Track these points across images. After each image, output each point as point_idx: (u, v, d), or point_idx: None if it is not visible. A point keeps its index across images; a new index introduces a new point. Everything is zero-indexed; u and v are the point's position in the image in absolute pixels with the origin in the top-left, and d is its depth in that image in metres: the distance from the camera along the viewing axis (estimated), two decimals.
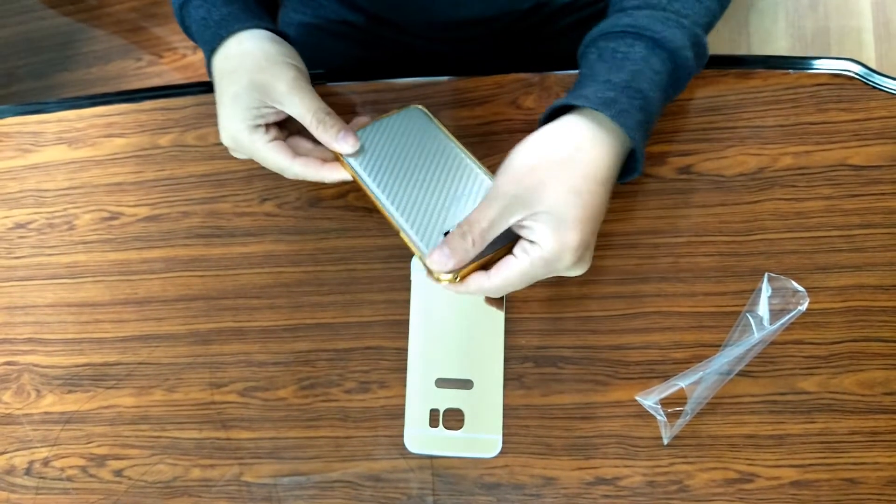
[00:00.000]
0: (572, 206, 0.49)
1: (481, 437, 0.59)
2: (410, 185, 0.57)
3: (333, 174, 0.60)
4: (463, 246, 0.50)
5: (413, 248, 0.54)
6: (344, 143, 0.58)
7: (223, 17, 0.62)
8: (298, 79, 0.59)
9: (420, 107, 0.62)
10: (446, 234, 0.53)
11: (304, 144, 0.61)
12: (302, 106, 0.58)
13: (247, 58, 0.59)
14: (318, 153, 0.61)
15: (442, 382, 0.61)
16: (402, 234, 0.55)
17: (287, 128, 0.62)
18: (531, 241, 0.50)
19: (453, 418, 0.60)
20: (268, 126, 0.60)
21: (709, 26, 0.57)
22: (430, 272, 0.52)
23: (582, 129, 0.52)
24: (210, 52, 0.62)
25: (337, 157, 0.60)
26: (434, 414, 0.60)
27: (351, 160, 0.59)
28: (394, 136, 0.60)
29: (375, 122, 0.61)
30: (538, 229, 0.49)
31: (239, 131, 0.59)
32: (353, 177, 0.59)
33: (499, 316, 0.61)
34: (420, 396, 0.61)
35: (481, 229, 0.50)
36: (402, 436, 0.60)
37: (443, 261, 0.50)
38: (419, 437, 0.60)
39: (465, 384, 0.60)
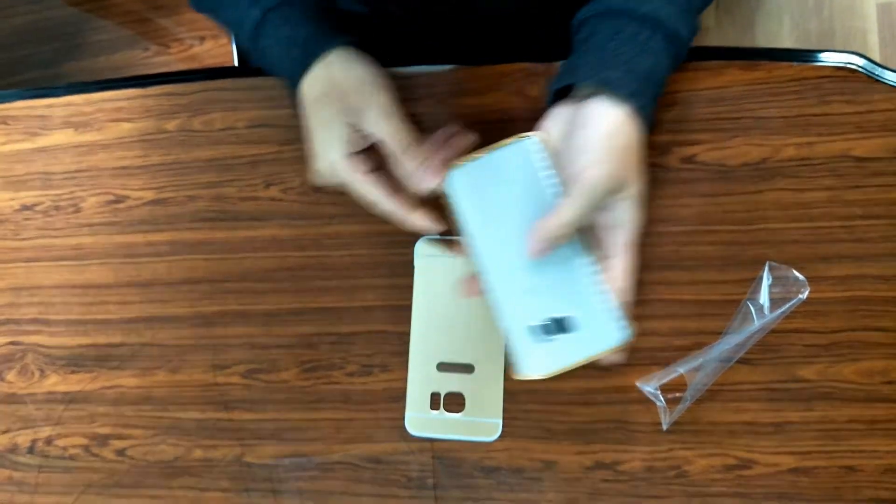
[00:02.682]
0: (643, 182, 0.57)
1: (481, 421, 0.60)
2: (506, 256, 0.57)
3: (420, 222, 0.58)
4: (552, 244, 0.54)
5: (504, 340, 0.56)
6: (419, 180, 0.57)
7: (310, 34, 0.60)
8: (389, 103, 0.58)
9: (534, 136, 0.58)
10: (534, 327, 0.56)
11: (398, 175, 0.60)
12: (388, 132, 0.57)
13: (336, 81, 0.59)
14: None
15: (443, 366, 0.61)
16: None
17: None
18: (613, 226, 0.56)
19: (454, 402, 0.60)
20: (364, 153, 0.59)
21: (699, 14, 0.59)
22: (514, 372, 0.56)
23: (626, 114, 0.54)
24: (301, 71, 0.60)
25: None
26: (435, 397, 0.61)
27: (451, 199, 0.58)
28: (496, 182, 0.58)
29: (480, 157, 0.58)
30: (623, 212, 0.56)
31: (337, 160, 0.58)
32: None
33: None
34: (421, 380, 0.61)
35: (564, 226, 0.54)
36: (403, 419, 0.61)
37: (538, 255, 0.55)
38: (420, 420, 0.60)
39: (467, 368, 0.61)
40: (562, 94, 0.58)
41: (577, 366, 0.55)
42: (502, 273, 0.57)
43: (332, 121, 0.58)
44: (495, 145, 0.58)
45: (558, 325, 0.56)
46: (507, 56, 0.67)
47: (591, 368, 0.59)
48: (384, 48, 0.84)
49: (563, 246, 0.55)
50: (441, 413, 0.60)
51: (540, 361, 0.55)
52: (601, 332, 0.55)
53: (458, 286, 0.58)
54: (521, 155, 0.58)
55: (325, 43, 0.59)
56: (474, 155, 0.58)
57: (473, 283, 0.57)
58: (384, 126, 0.57)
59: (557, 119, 0.58)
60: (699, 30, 0.58)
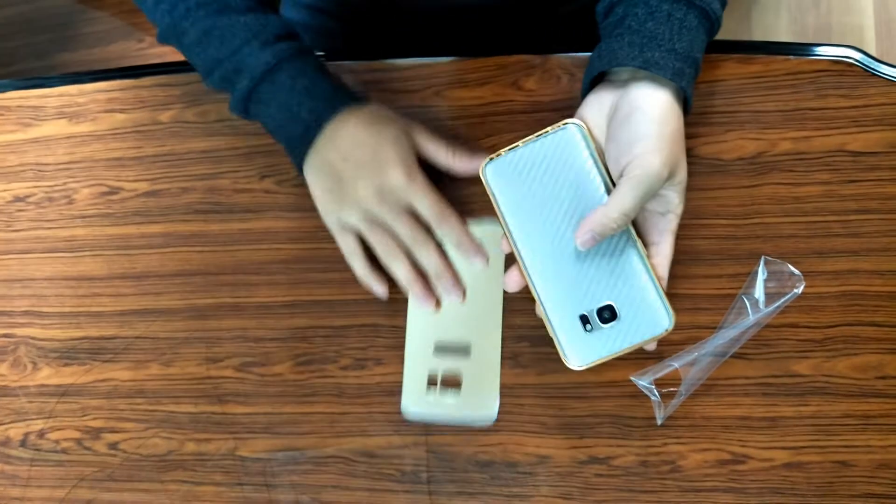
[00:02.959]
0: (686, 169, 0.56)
1: (478, 403, 0.59)
2: (551, 246, 0.56)
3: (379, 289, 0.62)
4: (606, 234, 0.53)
5: (549, 330, 0.56)
6: (466, 167, 0.61)
7: (332, 91, 0.62)
8: (424, 128, 0.62)
9: (577, 123, 0.57)
10: (582, 316, 0.55)
11: None
12: (438, 145, 0.61)
13: (382, 113, 0.62)
14: None
15: (440, 349, 0.61)
16: (538, 307, 0.56)
17: None
18: (665, 212, 0.55)
19: (451, 386, 0.60)
20: None
21: None
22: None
23: (672, 99, 0.54)
24: (328, 120, 0.61)
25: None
26: (432, 378, 0.60)
27: (491, 190, 0.58)
28: (538, 171, 0.57)
29: (519, 146, 0.57)
30: (673, 198, 0.55)
31: (415, 164, 0.60)
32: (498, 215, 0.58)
33: (497, 281, 0.61)
34: (418, 361, 0.61)
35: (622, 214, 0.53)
36: (398, 412, 0.61)
37: (591, 244, 0.54)
38: (416, 402, 0.60)
39: (464, 351, 0.60)
40: (596, 80, 0.58)
41: (624, 353, 0.54)
42: (546, 263, 0.56)
43: (402, 137, 0.60)
44: (536, 134, 0.57)
45: (604, 315, 0.54)
46: (504, 48, 0.66)
47: None
48: (381, 40, 0.84)
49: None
50: (437, 394, 0.60)
51: (587, 350, 0.54)
52: (646, 319, 0.54)
53: (504, 280, 0.57)
54: (563, 143, 0.56)
55: (348, 97, 0.62)
56: (514, 145, 0.57)
57: (517, 275, 0.56)
58: (432, 142, 0.61)
59: (596, 105, 0.57)
60: (726, 2, 0.57)
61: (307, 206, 0.65)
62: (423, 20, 0.79)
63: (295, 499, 0.61)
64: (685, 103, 0.56)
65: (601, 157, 0.56)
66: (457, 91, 0.66)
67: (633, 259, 0.55)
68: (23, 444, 0.66)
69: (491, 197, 0.57)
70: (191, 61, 0.64)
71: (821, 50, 0.61)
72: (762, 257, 0.58)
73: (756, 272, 0.58)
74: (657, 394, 0.57)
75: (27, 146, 0.72)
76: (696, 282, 0.59)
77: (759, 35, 1.44)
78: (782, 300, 0.57)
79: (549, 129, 0.57)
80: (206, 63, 0.62)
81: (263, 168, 0.67)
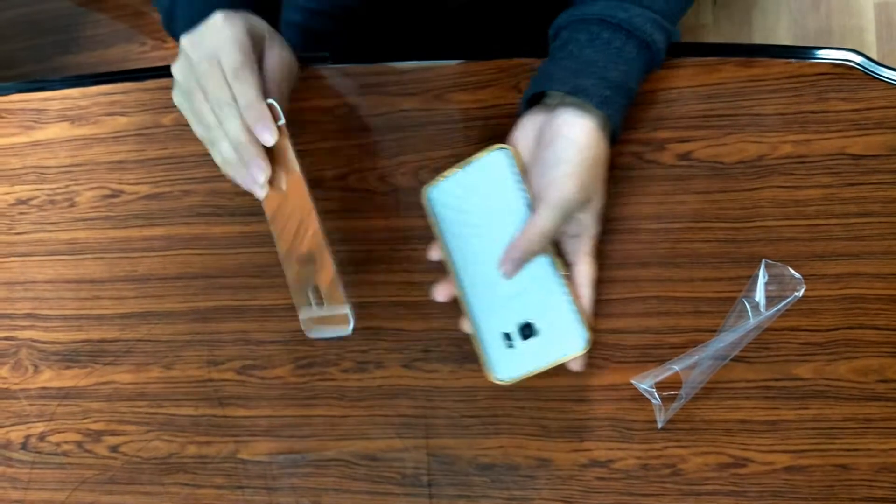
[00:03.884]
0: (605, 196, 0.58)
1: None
2: (480, 266, 0.58)
3: (260, 173, 0.54)
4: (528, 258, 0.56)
5: (475, 345, 0.58)
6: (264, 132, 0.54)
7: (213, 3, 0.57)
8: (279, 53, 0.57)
9: (505, 148, 0.58)
10: (505, 333, 0.57)
11: None
12: (279, 57, 0.57)
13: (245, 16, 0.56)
14: None
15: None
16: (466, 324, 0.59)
17: None
18: (578, 234, 0.57)
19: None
20: None
21: (676, 22, 0.60)
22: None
23: (596, 127, 0.55)
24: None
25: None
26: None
27: (429, 215, 0.60)
28: (470, 195, 0.59)
29: (455, 172, 0.60)
30: (587, 221, 0.57)
31: (243, 28, 0.54)
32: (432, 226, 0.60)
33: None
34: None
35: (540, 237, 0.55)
36: (399, 415, 0.61)
37: (515, 272, 0.56)
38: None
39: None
40: (534, 100, 0.59)
41: (543, 370, 0.56)
42: (476, 282, 0.58)
43: (232, 16, 0.54)
44: (468, 159, 0.59)
45: (524, 332, 0.57)
46: (505, 51, 0.67)
47: (587, 366, 0.59)
48: (378, 43, 0.85)
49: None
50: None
51: (509, 366, 0.57)
52: (563, 338, 0.56)
53: (434, 289, 0.59)
54: (492, 167, 0.58)
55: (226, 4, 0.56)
56: (450, 171, 0.60)
57: (448, 287, 0.59)
58: (274, 47, 0.57)
59: (529, 128, 0.58)
60: (676, 37, 0.58)
61: None
62: (422, 23, 0.79)
63: (295, 501, 0.61)
64: (614, 132, 0.57)
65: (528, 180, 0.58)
66: (457, 94, 0.66)
67: (551, 279, 0.57)
68: (24, 446, 0.66)
69: (431, 219, 0.60)
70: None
71: (821, 53, 0.61)
72: (763, 260, 0.58)
73: (757, 275, 0.58)
74: (658, 397, 0.57)
75: (29, 149, 0.73)
76: (696, 285, 0.59)
77: (759, 38, 1.44)
78: (783, 303, 0.57)
79: (479, 154, 0.59)
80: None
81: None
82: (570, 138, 0.54)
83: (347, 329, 0.54)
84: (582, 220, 0.57)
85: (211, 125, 0.54)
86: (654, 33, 0.56)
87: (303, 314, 0.57)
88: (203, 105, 0.54)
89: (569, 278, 0.57)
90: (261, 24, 0.58)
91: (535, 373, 0.56)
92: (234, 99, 0.53)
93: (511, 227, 0.57)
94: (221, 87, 0.53)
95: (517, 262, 0.56)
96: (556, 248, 0.58)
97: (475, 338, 0.58)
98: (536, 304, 0.57)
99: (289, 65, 0.59)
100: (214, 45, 0.53)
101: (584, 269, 0.57)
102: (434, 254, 0.60)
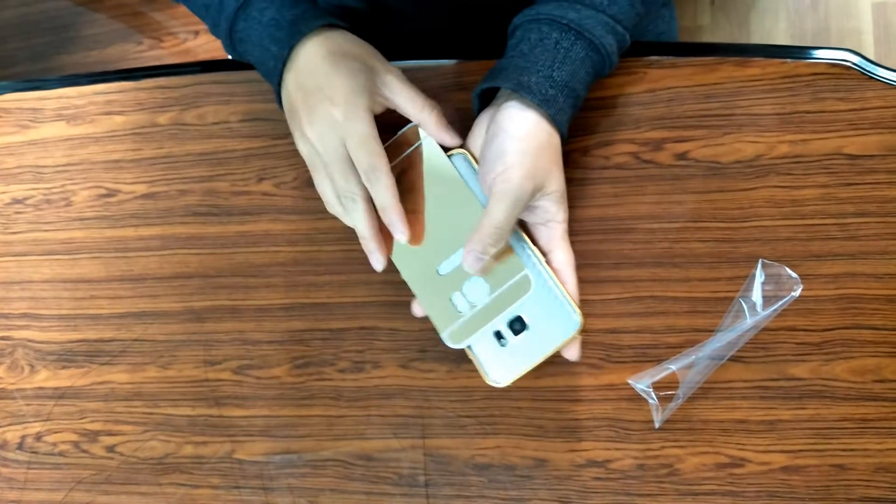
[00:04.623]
0: (563, 180, 0.57)
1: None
2: (456, 273, 0.57)
3: (378, 258, 0.58)
4: (488, 251, 0.54)
5: (467, 353, 0.57)
6: (445, 137, 0.58)
7: (297, 15, 0.58)
8: (401, 74, 0.59)
9: (460, 153, 0.59)
10: (496, 332, 0.56)
11: None
12: (408, 95, 0.58)
13: (346, 47, 0.58)
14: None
15: (443, 269, 0.58)
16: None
17: None
18: (546, 222, 0.56)
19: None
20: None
21: (635, 28, 0.59)
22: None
23: (538, 117, 0.55)
24: (286, 51, 0.58)
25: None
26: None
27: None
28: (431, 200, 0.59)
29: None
30: (550, 208, 0.55)
31: (362, 106, 0.56)
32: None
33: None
34: (431, 292, 0.57)
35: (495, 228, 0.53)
36: (396, 415, 0.61)
37: (477, 265, 0.54)
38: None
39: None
40: (488, 98, 0.59)
41: (540, 363, 0.54)
42: (456, 291, 0.57)
43: (360, 72, 0.56)
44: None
45: (515, 326, 0.56)
46: (501, 50, 0.66)
47: (583, 365, 0.59)
48: (377, 43, 0.84)
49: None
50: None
51: (507, 366, 0.55)
52: (555, 323, 0.55)
53: (413, 306, 0.58)
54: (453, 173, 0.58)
55: (314, 20, 0.58)
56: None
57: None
58: (404, 89, 0.58)
59: (480, 126, 0.58)
60: (628, 44, 0.58)
61: (305, 209, 0.65)
62: (421, 22, 0.79)
63: (292, 502, 0.61)
64: (562, 133, 0.56)
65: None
66: (456, 94, 0.66)
67: (531, 268, 0.56)
68: (20, 446, 0.66)
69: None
70: (201, 19, 0.64)
71: (818, 53, 0.61)
72: (760, 260, 0.58)
73: (754, 275, 0.58)
74: (655, 397, 0.57)
75: (25, 148, 0.72)
76: (693, 285, 0.59)
77: (757, 39, 1.44)
78: (780, 303, 0.57)
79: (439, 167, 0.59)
80: (200, 11, 0.63)
81: (261, 171, 0.67)
82: (510, 132, 0.54)
83: (529, 287, 0.55)
84: (545, 207, 0.56)
85: (331, 203, 0.58)
86: (605, 37, 0.56)
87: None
88: (325, 184, 0.58)
89: (549, 264, 0.56)
90: (369, 62, 0.58)
91: (532, 367, 0.55)
92: (361, 198, 0.56)
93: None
94: (348, 179, 0.56)
95: (477, 256, 0.54)
96: (531, 240, 0.56)
97: (467, 347, 0.56)
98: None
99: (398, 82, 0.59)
100: (340, 135, 0.55)
101: (561, 256, 0.56)
102: (417, 310, 0.58)
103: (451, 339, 0.56)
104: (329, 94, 0.56)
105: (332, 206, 0.58)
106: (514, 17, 0.59)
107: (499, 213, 0.53)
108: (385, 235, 0.58)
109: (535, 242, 0.57)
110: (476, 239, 0.54)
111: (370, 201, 0.56)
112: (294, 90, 0.58)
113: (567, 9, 0.56)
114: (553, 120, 0.55)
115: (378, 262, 0.58)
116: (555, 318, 0.55)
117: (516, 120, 0.54)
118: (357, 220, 0.57)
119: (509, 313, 0.56)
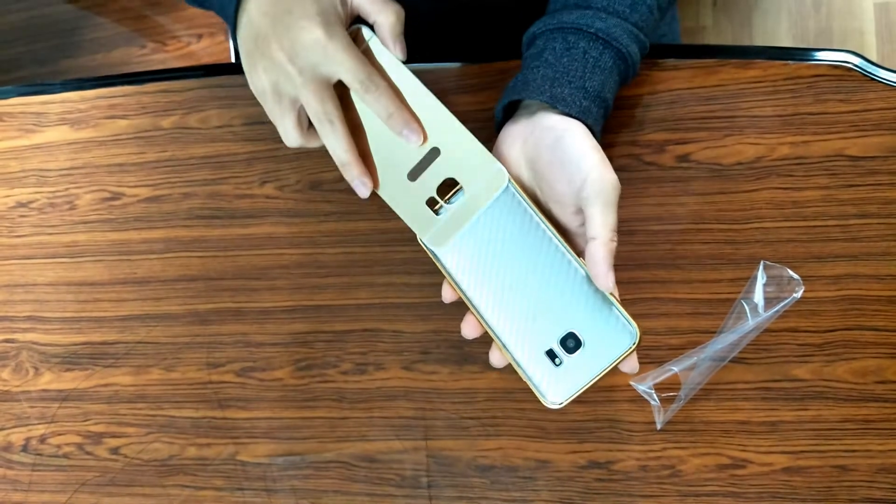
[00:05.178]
0: None
1: (483, 178, 0.53)
2: (506, 294, 0.53)
3: (362, 181, 0.55)
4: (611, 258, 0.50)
5: (521, 375, 0.53)
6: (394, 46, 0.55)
7: None
8: None
9: (507, 184, 0.53)
10: (548, 352, 0.52)
11: None
12: (391, 14, 0.54)
13: None
14: None
15: (413, 172, 0.55)
16: (502, 350, 0.53)
17: None
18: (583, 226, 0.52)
19: (447, 191, 0.55)
20: None
21: (653, 33, 0.60)
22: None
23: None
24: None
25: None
26: (430, 201, 0.55)
27: (445, 264, 0.54)
28: (485, 241, 0.54)
29: (463, 227, 0.54)
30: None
31: (339, 24, 0.53)
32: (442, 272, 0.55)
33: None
34: (403, 198, 0.55)
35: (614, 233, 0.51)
36: (400, 417, 0.61)
37: (612, 278, 0.50)
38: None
39: (432, 153, 0.55)
40: (510, 111, 0.58)
41: (598, 379, 0.52)
42: (502, 310, 0.53)
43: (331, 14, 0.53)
44: (470, 207, 0.54)
45: (569, 344, 0.52)
46: (506, 53, 0.67)
47: None
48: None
49: (549, 265, 0.53)
50: (444, 206, 0.54)
51: (563, 385, 0.52)
52: (611, 338, 0.52)
53: (462, 327, 0.55)
54: (501, 206, 0.54)
55: None
56: (451, 224, 0.55)
57: (474, 323, 0.54)
58: (377, 6, 0.55)
59: (513, 140, 0.56)
60: (647, 51, 0.58)
61: (308, 212, 0.66)
62: (422, 24, 0.79)
63: (295, 503, 0.61)
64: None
65: (529, 196, 0.54)
66: (458, 97, 0.66)
67: (580, 282, 0.52)
68: (24, 449, 0.67)
69: (436, 261, 0.55)
70: None
71: (819, 55, 0.61)
72: (761, 262, 0.58)
73: (755, 277, 0.58)
74: (657, 398, 0.57)
75: (29, 152, 0.73)
76: (695, 286, 0.59)
77: (759, 40, 1.44)
78: (781, 304, 0.57)
79: (484, 200, 0.54)
80: None
81: (264, 174, 0.67)
82: (575, 132, 0.52)
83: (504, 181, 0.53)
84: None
85: (291, 136, 0.56)
86: (630, 45, 0.56)
87: (428, 227, 0.54)
88: (288, 115, 0.55)
89: (588, 240, 0.51)
90: None
91: (590, 384, 0.52)
92: (339, 119, 0.54)
93: (537, 252, 0.53)
94: (324, 101, 0.53)
95: (609, 268, 0.50)
96: (574, 250, 0.53)
97: (518, 368, 0.53)
98: (573, 311, 0.52)
99: None
100: (318, 55, 0.53)
101: (597, 218, 0.51)
102: (447, 295, 0.55)
103: (432, 242, 0.54)
104: (303, 15, 0.52)
105: (293, 138, 0.56)
106: (531, 25, 0.58)
107: (609, 216, 0.50)
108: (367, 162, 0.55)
109: (578, 253, 0.53)
110: (600, 254, 0.50)
111: (347, 125, 0.54)
112: (259, 17, 0.54)
113: (592, 18, 0.55)
114: (591, 130, 0.54)
115: (366, 188, 0.55)
116: (609, 332, 0.52)
117: (570, 123, 0.53)
118: (336, 143, 0.54)
119: (562, 331, 0.53)
